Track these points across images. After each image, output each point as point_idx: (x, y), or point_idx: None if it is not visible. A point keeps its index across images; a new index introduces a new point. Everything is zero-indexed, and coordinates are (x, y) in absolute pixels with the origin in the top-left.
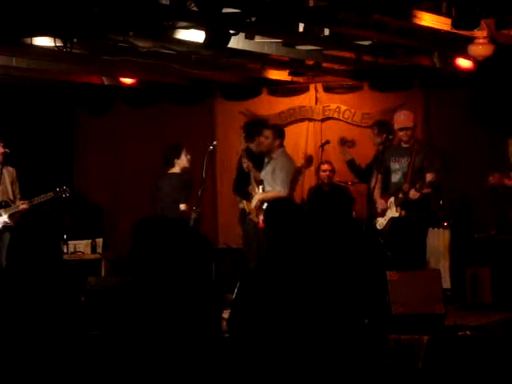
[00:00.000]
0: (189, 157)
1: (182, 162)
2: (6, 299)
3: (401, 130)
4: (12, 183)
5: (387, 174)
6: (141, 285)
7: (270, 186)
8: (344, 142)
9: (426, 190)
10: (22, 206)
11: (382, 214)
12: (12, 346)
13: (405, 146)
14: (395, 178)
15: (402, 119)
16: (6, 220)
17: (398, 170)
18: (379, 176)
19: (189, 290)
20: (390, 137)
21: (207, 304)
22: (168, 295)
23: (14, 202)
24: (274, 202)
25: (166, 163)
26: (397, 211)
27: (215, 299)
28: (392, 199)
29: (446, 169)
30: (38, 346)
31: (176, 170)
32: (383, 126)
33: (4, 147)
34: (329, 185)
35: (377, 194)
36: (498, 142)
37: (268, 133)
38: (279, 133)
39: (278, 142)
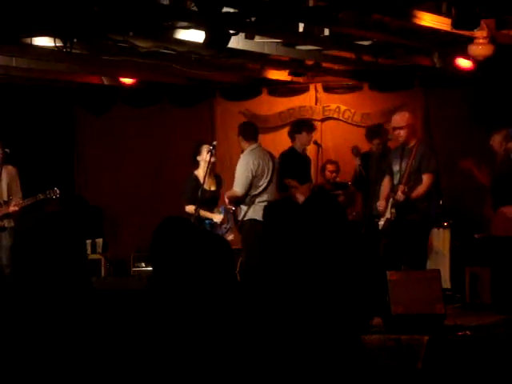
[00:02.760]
0: (209, 151)
1: (203, 158)
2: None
3: (394, 129)
4: (10, 183)
5: (392, 175)
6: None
7: None
8: (357, 153)
9: (413, 195)
10: (12, 208)
11: (382, 214)
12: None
13: (407, 147)
14: (396, 179)
15: (395, 119)
16: None
17: (397, 171)
18: (387, 177)
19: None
20: (390, 137)
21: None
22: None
23: (8, 202)
24: (272, 203)
25: (194, 163)
26: (390, 213)
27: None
28: (390, 200)
29: (445, 170)
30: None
31: (200, 170)
32: (372, 132)
33: (2, 147)
34: (332, 184)
35: (382, 194)
36: None
37: (238, 129)
38: (243, 129)
39: (241, 139)
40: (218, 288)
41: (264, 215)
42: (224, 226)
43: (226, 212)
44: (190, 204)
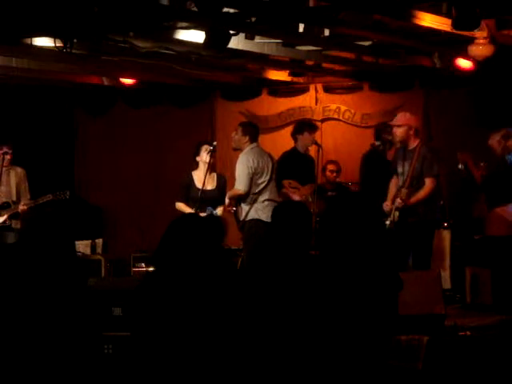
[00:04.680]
0: (209, 151)
1: (202, 159)
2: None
3: (392, 127)
4: (19, 184)
5: (398, 176)
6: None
7: None
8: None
9: (412, 201)
10: (21, 207)
11: (388, 215)
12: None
13: (408, 148)
14: (401, 180)
15: (396, 118)
16: (5, 220)
17: (401, 173)
18: (394, 177)
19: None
20: (390, 137)
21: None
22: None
23: (17, 202)
24: (281, 204)
25: (195, 163)
26: (394, 215)
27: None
28: (395, 203)
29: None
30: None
31: (198, 170)
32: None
33: (11, 148)
34: (332, 184)
35: (389, 194)
36: None
37: (238, 128)
38: (249, 130)
39: (246, 139)
40: (218, 288)
41: (273, 215)
42: None
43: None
44: (181, 202)
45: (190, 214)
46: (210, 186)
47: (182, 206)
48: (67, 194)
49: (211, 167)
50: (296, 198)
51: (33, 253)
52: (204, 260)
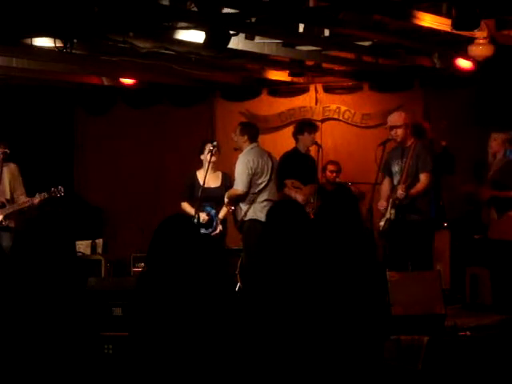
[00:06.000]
0: (209, 151)
1: (205, 158)
2: (13, 298)
3: (390, 129)
4: (12, 180)
5: (391, 176)
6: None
7: None
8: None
9: (413, 192)
10: (35, 200)
11: (383, 215)
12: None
13: (405, 146)
14: (395, 180)
15: (392, 118)
16: (1, 220)
17: (397, 172)
18: (387, 178)
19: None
20: (390, 137)
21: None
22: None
23: (11, 201)
24: (276, 204)
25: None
26: (390, 213)
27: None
28: (390, 201)
29: (446, 170)
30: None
31: (202, 169)
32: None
33: (6, 147)
34: (332, 184)
35: (382, 195)
36: None
37: (237, 128)
38: (247, 129)
39: (245, 139)
40: (211, 289)
41: (267, 216)
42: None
43: (213, 216)
44: (185, 201)
45: (176, 214)
46: (215, 184)
47: (186, 206)
48: (62, 191)
49: (215, 166)
50: (298, 198)
51: (32, 253)
52: (195, 260)
